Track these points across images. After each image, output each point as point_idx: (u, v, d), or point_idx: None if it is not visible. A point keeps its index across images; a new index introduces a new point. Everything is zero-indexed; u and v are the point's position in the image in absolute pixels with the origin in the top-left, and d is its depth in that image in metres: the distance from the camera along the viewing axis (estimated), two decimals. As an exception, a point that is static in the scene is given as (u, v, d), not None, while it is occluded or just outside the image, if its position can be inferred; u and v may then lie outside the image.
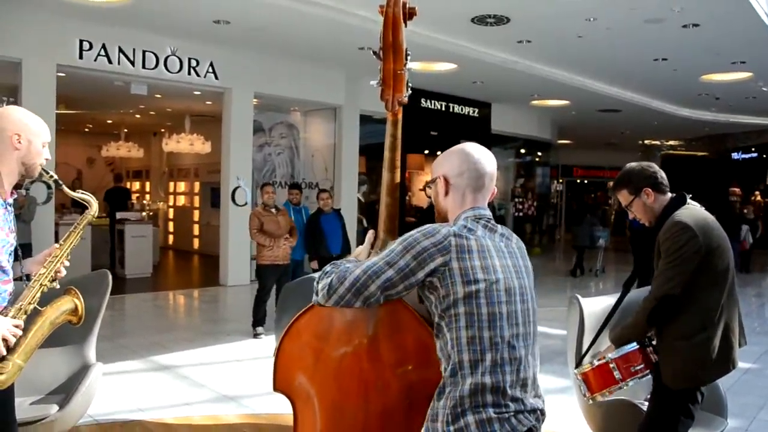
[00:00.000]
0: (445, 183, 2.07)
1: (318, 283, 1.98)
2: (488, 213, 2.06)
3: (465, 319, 1.87)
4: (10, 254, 2.56)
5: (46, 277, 2.57)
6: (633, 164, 3.26)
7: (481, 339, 1.87)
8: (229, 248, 11.44)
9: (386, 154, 2.28)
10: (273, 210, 7.69)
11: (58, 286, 2.63)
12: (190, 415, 4.99)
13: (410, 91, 2.17)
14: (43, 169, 2.62)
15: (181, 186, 18.33)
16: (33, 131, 2.56)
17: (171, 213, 18.64)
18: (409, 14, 2.12)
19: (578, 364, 3.47)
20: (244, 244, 11.60)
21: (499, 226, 2.06)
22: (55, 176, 2.68)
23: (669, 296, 2.91)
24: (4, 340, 2.37)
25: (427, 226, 1.96)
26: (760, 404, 5.48)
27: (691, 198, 3.14)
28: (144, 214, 14.43)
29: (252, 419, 4.95)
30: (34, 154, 2.56)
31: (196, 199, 17.35)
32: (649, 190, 3.12)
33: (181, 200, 18.37)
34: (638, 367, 2.98)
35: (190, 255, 16.72)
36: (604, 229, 14.21)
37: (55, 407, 3.53)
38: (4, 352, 2.38)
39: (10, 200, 2.58)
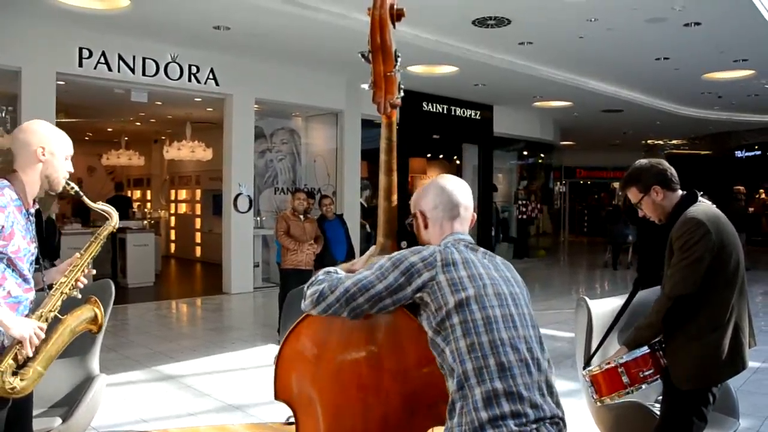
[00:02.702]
0: (422, 218, 2.16)
1: (308, 288, 2.01)
2: (468, 238, 2.11)
3: (461, 328, 1.87)
4: (31, 263, 2.66)
5: (67, 285, 2.68)
6: (642, 161, 3.22)
7: (480, 344, 1.85)
8: (231, 256, 11.37)
9: (382, 157, 2.27)
10: (301, 216, 7.69)
11: (80, 295, 2.73)
12: (195, 426, 4.95)
13: (403, 93, 2.16)
14: (66, 181, 2.72)
15: (183, 194, 18.30)
16: (56, 144, 2.67)
17: (173, 221, 18.59)
18: (397, 15, 2.11)
19: (587, 363, 3.44)
20: (247, 252, 11.59)
21: (480, 248, 2.09)
22: (77, 188, 2.77)
23: (684, 296, 2.87)
24: (30, 342, 2.46)
25: (414, 247, 2.02)
26: (772, 404, 5.40)
27: (701, 195, 3.10)
28: (145, 222, 14.37)
29: (258, 428, 4.91)
30: (57, 166, 2.67)
31: (198, 206, 17.31)
32: (659, 187, 3.08)
33: (183, 208, 18.33)
34: (647, 372, 2.93)
35: (193, 263, 16.67)
36: (633, 227, 14.90)
37: (59, 420, 3.50)
38: (30, 354, 2.48)
39: (32, 210, 2.68)
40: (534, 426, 1.81)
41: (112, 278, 4.02)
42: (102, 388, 3.81)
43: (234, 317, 9.84)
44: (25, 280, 2.63)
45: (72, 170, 2.76)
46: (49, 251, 7.58)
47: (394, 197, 2.28)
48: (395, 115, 2.20)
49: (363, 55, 2.10)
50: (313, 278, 2.04)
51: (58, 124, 2.73)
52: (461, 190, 2.17)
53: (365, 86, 2.14)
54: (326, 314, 1.98)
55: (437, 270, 1.92)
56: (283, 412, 5.03)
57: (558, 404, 1.93)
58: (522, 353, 1.88)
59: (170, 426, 4.92)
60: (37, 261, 2.71)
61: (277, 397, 2.15)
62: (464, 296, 1.88)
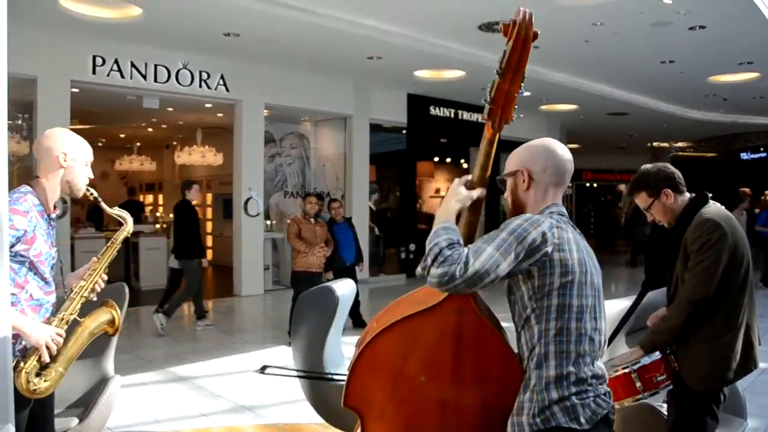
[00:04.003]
0: (528, 177, 2.09)
1: (436, 266, 1.86)
2: (565, 211, 2.09)
3: (556, 311, 1.93)
4: (52, 267, 2.72)
5: (86, 289, 2.75)
6: (648, 166, 3.20)
7: (568, 330, 1.93)
8: (242, 259, 11.46)
9: (477, 172, 2.14)
10: (312, 220, 7.77)
11: (96, 298, 2.80)
12: (207, 426, 4.98)
13: (520, 116, 2.11)
14: (87, 187, 2.79)
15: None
16: (78, 151, 2.75)
17: (184, 225, 18.56)
18: (534, 36, 2.00)
19: None
20: (258, 255, 11.65)
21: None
22: (96, 194, 2.84)
23: (704, 299, 2.86)
24: (47, 348, 2.53)
25: (528, 216, 1.98)
26: (778, 404, 5.38)
27: (711, 197, 3.09)
28: (158, 226, 14.46)
29: (269, 429, 4.92)
30: (78, 172, 2.75)
31: (209, 210, 17.35)
32: (669, 191, 3.07)
33: (194, 212, 18.31)
34: (660, 378, 2.90)
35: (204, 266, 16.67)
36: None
37: (75, 420, 3.54)
38: (48, 360, 2.54)
39: (54, 215, 2.74)
40: (592, 398, 1.94)
41: (125, 281, 4.07)
42: (117, 389, 3.85)
43: (245, 319, 9.90)
44: (47, 283, 2.69)
45: (92, 176, 2.83)
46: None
47: (480, 213, 2.20)
48: (499, 134, 2.11)
49: (497, 72, 2.03)
50: (437, 249, 1.88)
51: (73, 131, 2.82)
52: (570, 159, 2.13)
53: (484, 101, 2.07)
54: (452, 292, 1.90)
55: (553, 247, 1.91)
56: (294, 412, 5.11)
57: (605, 385, 2.05)
58: (596, 344, 1.99)
59: (183, 427, 4.96)
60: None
61: (346, 403, 2.13)
62: (570, 280, 1.92)
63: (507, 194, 2.18)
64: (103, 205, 2.89)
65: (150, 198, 20.24)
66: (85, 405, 3.70)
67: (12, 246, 2.51)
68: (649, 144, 23.17)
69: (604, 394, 1.99)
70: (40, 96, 8.96)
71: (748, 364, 2.96)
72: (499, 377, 2.06)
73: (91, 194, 2.84)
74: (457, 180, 2.14)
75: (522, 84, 2.04)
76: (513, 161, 2.15)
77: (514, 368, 2.04)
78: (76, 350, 2.68)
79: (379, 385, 2.10)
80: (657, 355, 2.93)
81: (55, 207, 2.77)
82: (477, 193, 2.10)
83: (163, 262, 12.63)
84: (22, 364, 2.52)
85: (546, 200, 2.08)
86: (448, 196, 2.10)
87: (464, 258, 1.86)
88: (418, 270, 1.98)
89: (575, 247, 1.96)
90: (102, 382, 3.83)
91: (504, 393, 2.04)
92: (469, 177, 2.14)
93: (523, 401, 1.96)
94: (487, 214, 15.10)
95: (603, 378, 2.01)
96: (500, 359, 2.06)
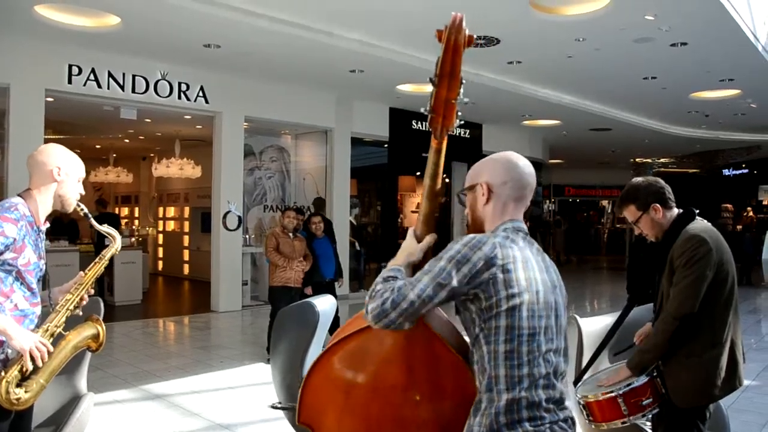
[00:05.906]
0: (487, 191, 2.02)
1: (369, 302, 1.88)
2: (525, 227, 2.00)
3: (505, 332, 1.83)
4: (39, 278, 2.80)
5: (72, 302, 2.81)
6: (639, 179, 3.21)
7: (519, 353, 1.83)
8: (220, 274, 11.30)
9: (427, 182, 2.15)
10: (290, 234, 7.68)
11: (81, 313, 2.87)
12: None
13: (462, 121, 2.10)
14: (77, 203, 2.89)
15: (171, 211, 18.18)
16: (71, 166, 2.85)
17: (160, 238, 18.46)
18: (468, 41, 2.02)
19: (577, 380, 3.40)
20: (236, 270, 11.51)
21: (534, 241, 2.02)
22: (86, 210, 2.94)
23: (689, 315, 2.86)
24: (31, 357, 2.55)
25: (470, 238, 1.89)
26: (761, 422, 5.41)
27: (698, 214, 3.11)
28: (133, 239, 14.24)
29: None
30: (70, 187, 2.84)
31: (186, 224, 17.20)
32: (658, 205, 3.07)
33: (171, 225, 18.21)
34: (647, 401, 2.91)
35: (181, 281, 16.53)
36: None
37: None
38: (31, 367, 2.57)
39: (43, 228, 2.82)
40: (547, 426, 1.85)
41: (99, 296, 3.97)
42: (90, 408, 3.75)
43: (222, 336, 9.77)
44: (33, 293, 2.74)
45: (83, 192, 2.90)
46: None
47: (434, 223, 2.17)
48: (445, 142, 2.12)
49: (430, 79, 2.04)
50: (372, 289, 1.91)
51: (47, 141, 2.81)
52: (532, 172, 2.05)
53: (424, 110, 2.08)
54: (389, 329, 1.88)
55: (497, 269, 1.82)
56: (271, 431, 5.00)
57: (567, 408, 1.95)
58: (551, 365, 1.89)
59: (158, 446, 4.86)
60: (43, 279, 2.82)
61: (300, 420, 2.11)
62: (518, 302, 1.82)
63: (467, 210, 2.11)
64: (93, 221, 2.95)
65: (126, 210, 20.08)
66: (56, 424, 3.59)
67: (0, 254, 2.56)
68: (631, 159, 23.46)
69: (564, 421, 1.89)
70: (12, 105, 8.76)
71: (733, 381, 2.97)
72: (454, 393, 2.01)
73: (82, 210, 2.93)
74: (409, 231, 2.11)
75: (461, 89, 2.02)
76: (473, 175, 2.09)
77: (469, 385, 1.96)
78: (59, 363, 2.71)
79: (333, 401, 2.07)
80: (644, 378, 2.93)
81: (46, 220, 2.83)
82: (426, 244, 2.06)
83: (139, 277, 12.45)
84: (2, 374, 2.54)
85: (504, 216, 2.00)
86: (401, 250, 2.07)
87: (398, 289, 1.84)
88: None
89: (522, 266, 1.87)
90: (74, 400, 3.73)
91: (459, 409, 1.98)
92: (415, 229, 2.11)
93: (473, 425, 1.87)
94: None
95: (560, 402, 1.90)
96: (454, 375, 1.99)
